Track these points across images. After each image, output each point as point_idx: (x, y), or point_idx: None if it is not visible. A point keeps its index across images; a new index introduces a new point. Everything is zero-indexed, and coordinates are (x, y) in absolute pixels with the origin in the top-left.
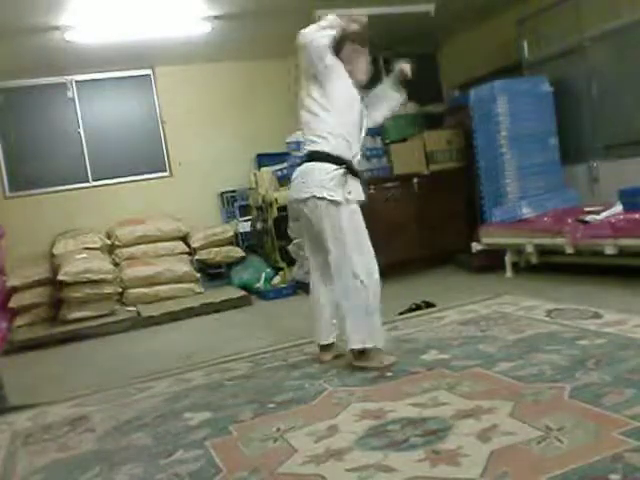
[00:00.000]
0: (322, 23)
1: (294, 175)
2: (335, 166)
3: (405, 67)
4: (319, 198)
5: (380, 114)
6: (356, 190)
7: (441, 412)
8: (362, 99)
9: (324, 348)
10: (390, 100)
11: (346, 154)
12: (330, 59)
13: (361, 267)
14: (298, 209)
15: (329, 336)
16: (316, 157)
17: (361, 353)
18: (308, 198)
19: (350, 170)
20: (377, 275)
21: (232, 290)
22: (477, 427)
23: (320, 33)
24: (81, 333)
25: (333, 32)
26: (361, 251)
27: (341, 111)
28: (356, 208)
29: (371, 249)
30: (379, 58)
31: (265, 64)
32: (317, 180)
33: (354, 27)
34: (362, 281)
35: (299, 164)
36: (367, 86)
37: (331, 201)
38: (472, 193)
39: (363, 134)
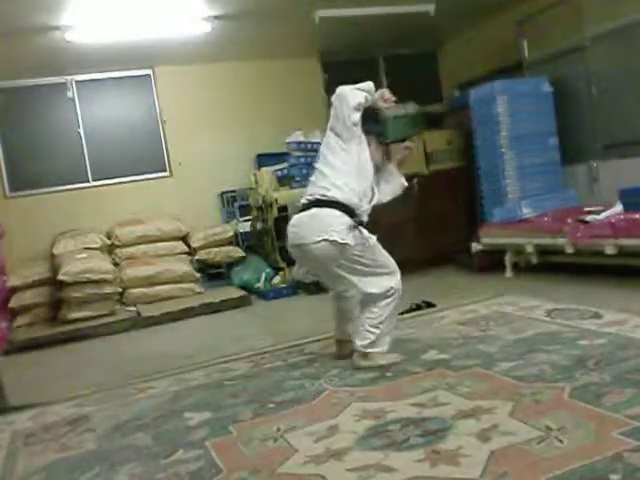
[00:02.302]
0: (360, 85)
1: (296, 220)
2: (345, 216)
3: (407, 148)
4: (330, 242)
5: (384, 196)
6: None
7: (441, 412)
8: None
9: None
10: (393, 185)
11: (356, 207)
12: (358, 118)
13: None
14: (300, 251)
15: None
16: (326, 204)
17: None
18: (317, 241)
19: (359, 223)
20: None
21: (232, 290)
22: (477, 427)
23: (357, 92)
24: (81, 333)
25: (368, 95)
26: (377, 272)
27: (359, 171)
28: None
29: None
30: (379, 58)
31: (265, 64)
32: (327, 224)
33: (383, 105)
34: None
35: (302, 209)
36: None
37: (341, 244)
38: (472, 193)
39: (369, 206)
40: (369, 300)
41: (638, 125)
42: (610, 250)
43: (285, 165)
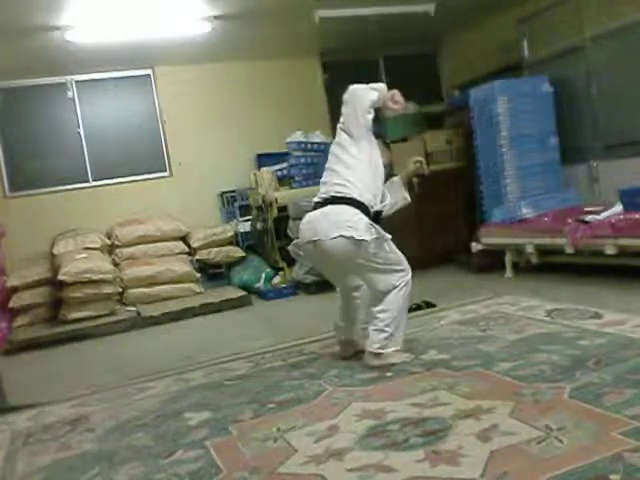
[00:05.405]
0: (373, 85)
1: (309, 217)
2: (361, 213)
3: (419, 164)
4: (347, 238)
5: (386, 206)
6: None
7: (441, 412)
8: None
9: (346, 343)
10: (395, 198)
11: (370, 204)
12: (370, 119)
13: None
14: (313, 249)
15: (355, 334)
16: (341, 201)
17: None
18: (333, 238)
19: (374, 219)
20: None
21: (232, 290)
22: (477, 427)
23: (371, 91)
24: (81, 333)
25: (380, 95)
26: (390, 269)
27: (371, 168)
28: (387, 243)
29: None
30: (379, 58)
31: (265, 64)
32: (343, 220)
33: (394, 107)
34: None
35: (315, 207)
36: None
37: (358, 240)
38: (472, 193)
39: (382, 205)
40: (375, 298)
41: (638, 125)
42: (610, 250)
43: (285, 165)
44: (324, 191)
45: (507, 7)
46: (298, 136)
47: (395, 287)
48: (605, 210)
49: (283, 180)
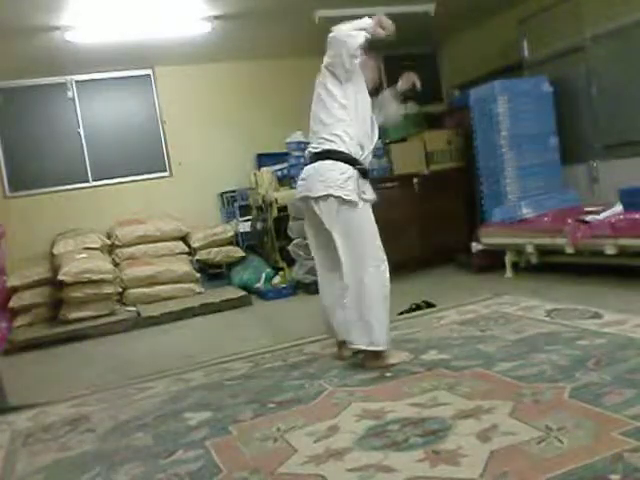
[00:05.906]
0: (357, 23)
1: (305, 172)
2: (350, 166)
3: (409, 77)
4: (335, 197)
5: (379, 120)
6: (369, 190)
7: (441, 412)
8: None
9: (342, 344)
10: (389, 109)
11: (358, 156)
12: (358, 61)
13: (372, 261)
14: (306, 207)
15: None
16: (330, 156)
17: (376, 356)
18: (321, 197)
19: (362, 172)
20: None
21: (232, 290)
22: (477, 427)
23: (356, 32)
24: (81, 333)
25: (367, 34)
26: (372, 247)
27: (358, 115)
28: (369, 207)
29: (380, 246)
30: (379, 58)
31: (265, 64)
32: (333, 179)
33: (381, 33)
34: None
35: (310, 161)
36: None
37: (347, 201)
38: (472, 193)
39: (372, 144)
40: (352, 289)
41: (638, 125)
42: (610, 250)
43: (285, 165)
44: (314, 145)
45: (507, 7)
46: (298, 136)
47: (370, 274)
48: (605, 210)
49: (283, 180)
